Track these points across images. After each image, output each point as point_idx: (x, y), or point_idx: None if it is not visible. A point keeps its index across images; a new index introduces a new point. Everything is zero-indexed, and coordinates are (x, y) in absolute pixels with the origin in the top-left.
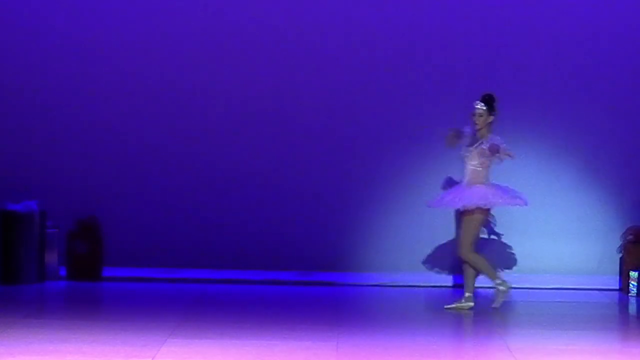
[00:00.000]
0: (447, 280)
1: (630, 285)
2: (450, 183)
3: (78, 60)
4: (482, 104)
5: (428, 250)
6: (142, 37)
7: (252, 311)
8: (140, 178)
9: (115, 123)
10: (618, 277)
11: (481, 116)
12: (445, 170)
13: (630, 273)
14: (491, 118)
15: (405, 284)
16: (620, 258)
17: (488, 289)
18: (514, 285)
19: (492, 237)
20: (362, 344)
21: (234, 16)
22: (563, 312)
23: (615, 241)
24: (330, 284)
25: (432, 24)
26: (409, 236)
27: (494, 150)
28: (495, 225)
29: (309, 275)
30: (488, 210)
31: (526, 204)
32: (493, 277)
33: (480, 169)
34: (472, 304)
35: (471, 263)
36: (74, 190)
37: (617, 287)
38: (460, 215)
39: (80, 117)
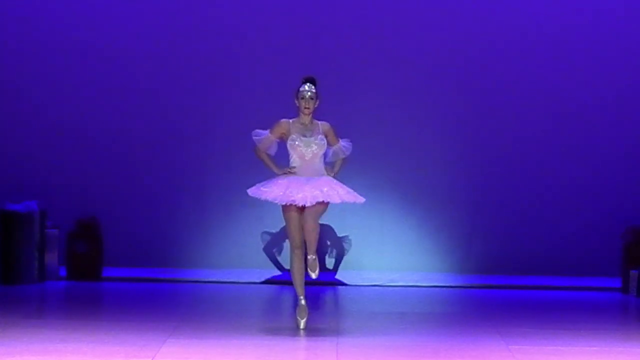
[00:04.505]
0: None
1: (630, 285)
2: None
3: (79, 62)
4: (313, 86)
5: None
6: (142, 39)
7: (252, 311)
8: (140, 178)
9: (116, 123)
10: (618, 277)
11: (312, 99)
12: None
13: (630, 273)
14: (318, 102)
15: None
16: (620, 258)
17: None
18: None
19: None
20: (362, 344)
21: (232, 18)
22: (561, 311)
23: (616, 241)
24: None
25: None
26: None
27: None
28: None
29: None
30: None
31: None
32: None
33: (321, 157)
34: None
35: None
36: (74, 190)
37: (617, 287)
38: (303, 208)
39: (80, 117)
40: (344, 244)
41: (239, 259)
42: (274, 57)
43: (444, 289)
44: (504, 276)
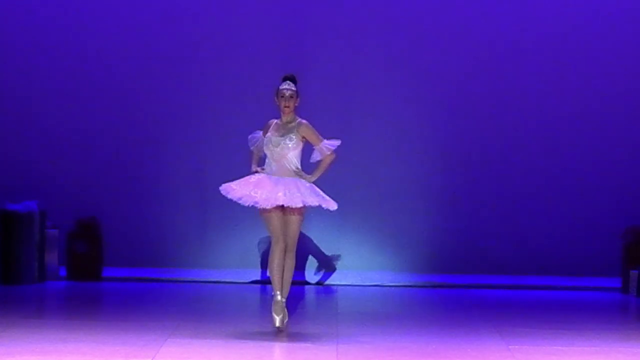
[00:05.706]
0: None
1: (630, 285)
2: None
3: (78, 62)
4: (293, 84)
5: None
6: (142, 39)
7: (252, 311)
8: (140, 179)
9: (115, 123)
10: (618, 277)
11: (292, 97)
12: None
13: (630, 273)
14: (298, 100)
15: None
16: (620, 258)
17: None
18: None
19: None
20: (362, 344)
21: (233, 17)
22: (561, 311)
23: (616, 241)
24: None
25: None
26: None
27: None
28: None
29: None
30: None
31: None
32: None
33: (297, 160)
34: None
35: (294, 263)
36: (74, 190)
37: (617, 287)
38: (282, 210)
39: (80, 117)
40: (334, 262)
41: (239, 259)
42: (276, 57)
43: (444, 289)
44: (504, 276)
